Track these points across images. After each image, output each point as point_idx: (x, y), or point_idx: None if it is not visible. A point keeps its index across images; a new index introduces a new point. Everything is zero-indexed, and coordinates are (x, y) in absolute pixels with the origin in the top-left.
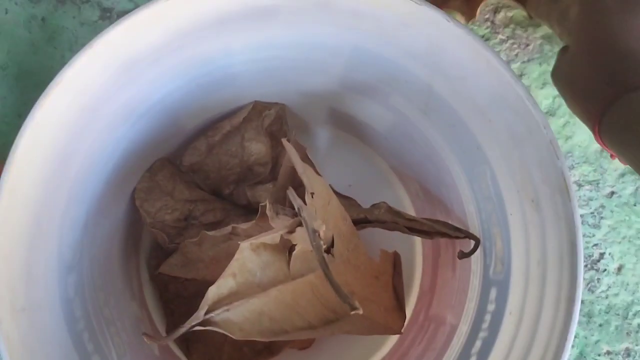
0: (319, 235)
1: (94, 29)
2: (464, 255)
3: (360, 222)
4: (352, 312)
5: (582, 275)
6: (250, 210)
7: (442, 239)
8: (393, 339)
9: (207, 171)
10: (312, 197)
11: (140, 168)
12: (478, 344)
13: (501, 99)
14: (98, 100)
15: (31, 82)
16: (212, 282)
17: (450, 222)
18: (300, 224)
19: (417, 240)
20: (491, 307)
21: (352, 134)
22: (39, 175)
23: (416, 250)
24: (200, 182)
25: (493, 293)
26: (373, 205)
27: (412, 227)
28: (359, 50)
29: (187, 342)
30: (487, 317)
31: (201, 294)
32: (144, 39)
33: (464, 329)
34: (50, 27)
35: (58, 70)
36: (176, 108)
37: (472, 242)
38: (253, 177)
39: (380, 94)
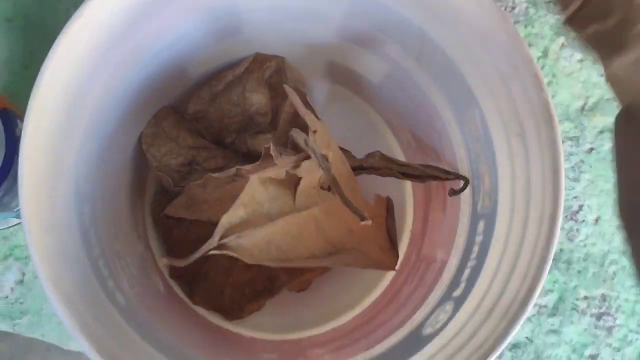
0: (326, 159)
1: None
2: (454, 192)
3: (356, 169)
4: (362, 223)
5: (563, 196)
6: (251, 159)
7: (433, 183)
8: (386, 280)
9: (210, 119)
10: (315, 134)
11: (148, 112)
12: (467, 272)
13: (490, 38)
14: (114, 38)
15: (37, 35)
16: (215, 224)
17: (441, 166)
18: (305, 158)
19: (409, 187)
20: (479, 238)
21: (348, 87)
22: (58, 111)
23: (407, 197)
24: (203, 130)
25: (481, 226)
26: (367, 154)
27: (405, 172)
28: None
29: (190, 283)
30: (475, 248)
31: (204, 238)
32: None
33: (453, 262)
34: None
35: (63, 25)
36: (183, 54)
37: (462, 182)
38: (254, 127)
39: (375, 43)
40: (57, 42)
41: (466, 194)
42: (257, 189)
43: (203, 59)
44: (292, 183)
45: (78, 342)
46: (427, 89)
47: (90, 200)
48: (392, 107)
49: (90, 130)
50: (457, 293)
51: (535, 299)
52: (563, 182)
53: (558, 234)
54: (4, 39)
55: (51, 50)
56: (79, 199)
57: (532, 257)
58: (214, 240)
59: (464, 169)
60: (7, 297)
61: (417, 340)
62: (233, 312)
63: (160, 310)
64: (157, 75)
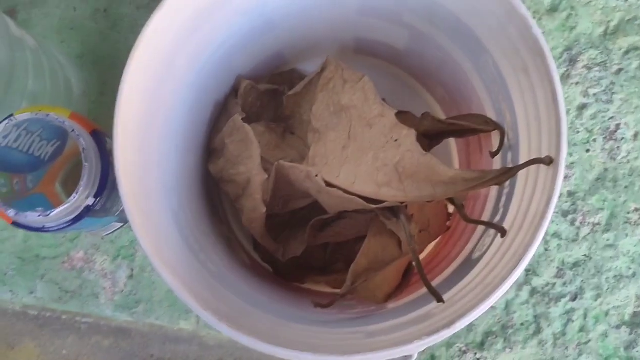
0: (414, 239)
1: (149, 11)
2: (496, 153)
3: (432, 139)
4: (438, 303)
5: (565, 117)
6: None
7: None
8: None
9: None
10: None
11: (207, 109)
12: (503, 199)
13: None
14: (177, 44)
15: (105, 65)
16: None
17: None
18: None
19: (451, 141)
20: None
21: (379, 57)
22: (140, 113)
23: (451, 145)
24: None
25: (509, 157)
26: (421, 117)
27: (454, 129)
28: None
29: (274, 262)
30: None
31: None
32: None
33: (493, 194)
34: (112, 16)
35: (125, 52)
36: (230, 55)
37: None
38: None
39: (393, 14)
40: (130, 59)
41: (495, 132)
42: (372, 242)
43: (247, 57)
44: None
45: (185, 301)
46: (445, 46)
47: (176, 190)
48: (422, 68)
49: (166, 129)
50: (497, 219)
51: (553, 209)
52: (563, 105)
53: (566, 149)
54: (80, 73)
55: (126, 70)
56: (166, 191)
57: (546, 174)
58: (347, 286)
59: (490, 110)
60: (122, 291)
61: (469, 264)
62: (282, 272)
63: (247, 276)
64: (213, 76)
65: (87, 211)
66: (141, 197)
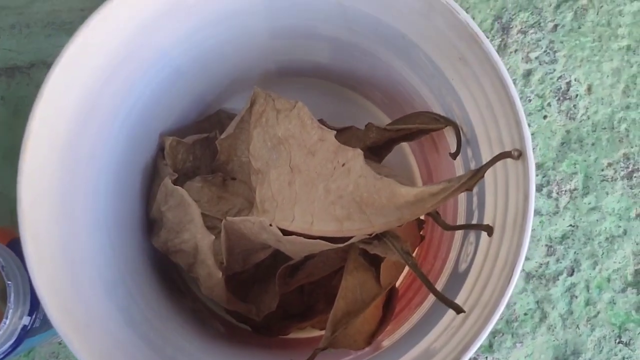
0: (410, 254)
1: None
2: (456, 152)
3: (381, 149)
4: (459, 314)
5: (518, 101)
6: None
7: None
8: None
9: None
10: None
11: (133, 183)
12: (475, 199)
13: None
14: (78, 119)
15: (17, 157)
16: None
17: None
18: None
19: (404, 144)
20: (472, 164)
21: (306, 75)
22: (50, 203)
23: (406, 151)
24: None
25: (469, 153)
26: (365, 129)
27: (403, 134)
28: None
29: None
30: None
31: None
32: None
33: (461, 196)
34: (11, 102)
35: None
36: (146, 113)
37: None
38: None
39: (306, 29)
40: (24, 146)
41: (449, 128)
42: (349, 280)
43: (166, 108)
44: (372, 263)
45: None
46: (371, 49)
47: (120, 283)
48: (353, 77)
49: (90, 214)
50: (474, 221)
51: (533, 205)
52: (514, 89)
53: (529, 136)
54: None
55: (21, 160)
56: (106, 287)
57: (517, 168)
58: (327, 337)
59: (435, 106)
60: None
61: (457, 279)
62: (263, 330)
63: (225, 349)
64: (131, 135)
65: (25, 332)
66: (74, 307)
